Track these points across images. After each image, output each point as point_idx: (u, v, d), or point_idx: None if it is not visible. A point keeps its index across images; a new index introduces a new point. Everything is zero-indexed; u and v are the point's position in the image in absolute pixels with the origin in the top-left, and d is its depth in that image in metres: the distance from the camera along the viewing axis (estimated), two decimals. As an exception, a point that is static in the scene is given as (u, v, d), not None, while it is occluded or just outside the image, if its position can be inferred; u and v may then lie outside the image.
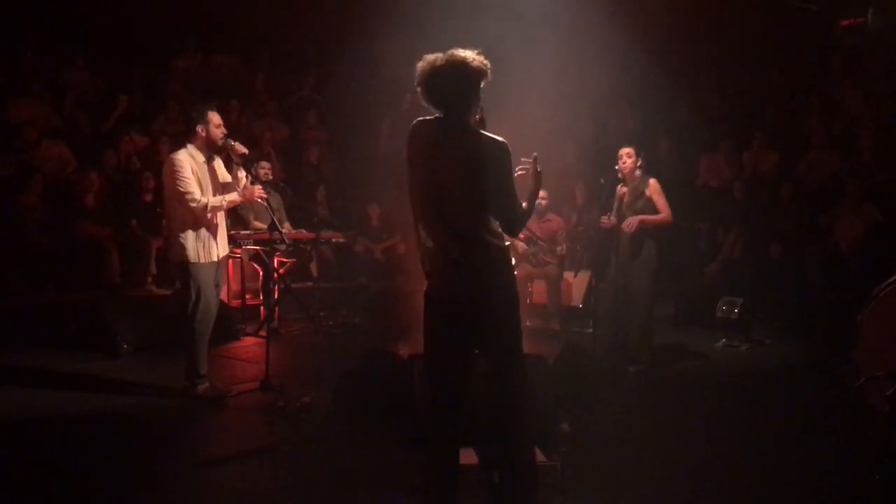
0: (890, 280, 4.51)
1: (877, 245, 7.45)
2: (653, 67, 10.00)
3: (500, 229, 3.06)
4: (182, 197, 4.82)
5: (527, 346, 3.18)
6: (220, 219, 5.09)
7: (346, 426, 4.56)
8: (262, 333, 6.55)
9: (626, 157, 5.81)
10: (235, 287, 7.72)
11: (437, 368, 3.11)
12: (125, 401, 5.08)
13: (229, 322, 6.74)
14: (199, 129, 4.92)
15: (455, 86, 3.00)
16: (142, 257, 7.88)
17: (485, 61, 3.03)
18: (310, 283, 8.09)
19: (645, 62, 9.93)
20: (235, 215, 7.08)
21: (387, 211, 9.27)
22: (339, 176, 10.35)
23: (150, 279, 7.84)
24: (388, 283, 8.43)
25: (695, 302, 7.81)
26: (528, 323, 7.27)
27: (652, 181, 5.83)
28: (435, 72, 3.00)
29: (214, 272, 5.04)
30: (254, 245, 6.74)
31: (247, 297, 7.73)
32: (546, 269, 7.57)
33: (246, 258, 7.35)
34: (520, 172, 3.23)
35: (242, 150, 4.99)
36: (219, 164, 5.11)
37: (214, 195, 4.96)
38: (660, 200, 5.79)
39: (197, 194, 4.84)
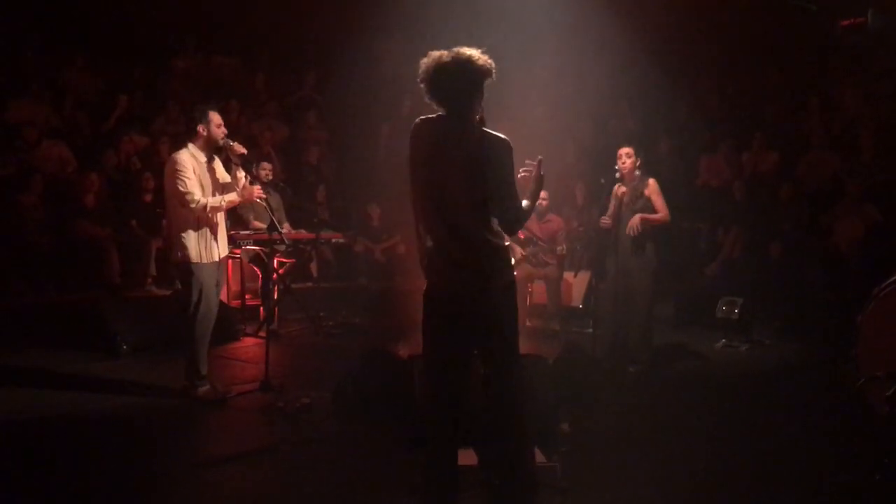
0: (890, 280, 4.50)
1: (877, 245, 7.46)
2: (653, 67, 10.00)
3: (499, 228, 3.07)
4: (182, 197, 4.82)
5: (527, 346, 3.19)
6: (221, 219, 5.08)
7: (346, 426, 4.55)
8: (262, 334, 6.54)
9: (626, 157, 5.81)
10: (235, 287, 7.70)
11: (437, 368, 3.11)
12: (125, 401, 5.08)
13: (229, 322, 6.73)
14: (201, 128, 4.92)
15: (460, 83, 3.00)
16: (142, 257, 7.87)
17: (489, 60, 3.03)
18: (310, 284, 8.09)
19: (645, 62, 9.94)
20: (235, 216, 7.07)
21: (387, 211, 9.26)
22: (339, 176, 10.33)
23: (150, 279, 7.83)
24: (388, 284, 8.41)
25: (695, 302, 7.80)
26: (528, 323, 7.29)
27: (651, 181, 5.83)
28: (440, 68, 3.00)
29: (216, 272, 5.05)
30: (253, 245, 6.74)
31: (246, 297, 7.72)
32: (546, 270, 7.56)
33: (246, 259, 7.34)
34: (523, 174, 3.23)
35: (241, 150, 4.98)
36: (218, 164, 5.10)
37: (214, 195, 4.96)
38: (658, 200, 5.79)
39: (197, 195, 4.84)
